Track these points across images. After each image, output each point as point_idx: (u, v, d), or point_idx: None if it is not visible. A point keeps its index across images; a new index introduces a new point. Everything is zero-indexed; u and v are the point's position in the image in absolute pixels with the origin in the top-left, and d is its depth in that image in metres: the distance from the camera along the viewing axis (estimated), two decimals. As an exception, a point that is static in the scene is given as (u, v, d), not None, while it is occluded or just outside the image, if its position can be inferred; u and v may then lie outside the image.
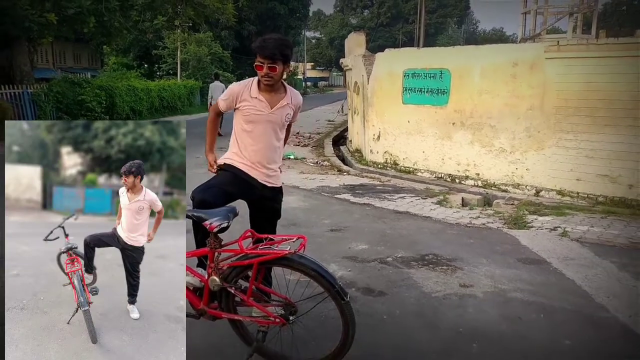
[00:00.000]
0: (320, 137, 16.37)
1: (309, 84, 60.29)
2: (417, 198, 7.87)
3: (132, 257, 2.90)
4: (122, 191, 2.84)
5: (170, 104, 24.64)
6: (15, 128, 2.89)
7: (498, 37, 67.05)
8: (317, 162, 11.68)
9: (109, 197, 2.94)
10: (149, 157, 2.84)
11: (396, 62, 10.40)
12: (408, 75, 10.02)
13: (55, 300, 2.83)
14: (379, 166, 10.98)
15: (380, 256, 5.15)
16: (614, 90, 7.41)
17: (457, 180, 9.48)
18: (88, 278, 2.86)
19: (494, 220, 6.61)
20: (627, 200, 7.54)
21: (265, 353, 3.07)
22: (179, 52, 30.91)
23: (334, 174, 10.16)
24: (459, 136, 9.40)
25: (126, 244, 2.89)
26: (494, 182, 8.98)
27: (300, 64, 62.40)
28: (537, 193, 8.44)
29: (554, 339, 3.49)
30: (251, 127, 3.43)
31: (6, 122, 2.90)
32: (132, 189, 2.80)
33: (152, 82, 25.24)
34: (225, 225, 2.83)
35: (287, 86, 3.51)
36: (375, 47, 31.69)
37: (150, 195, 2.84)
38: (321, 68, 73.56)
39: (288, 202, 6.77)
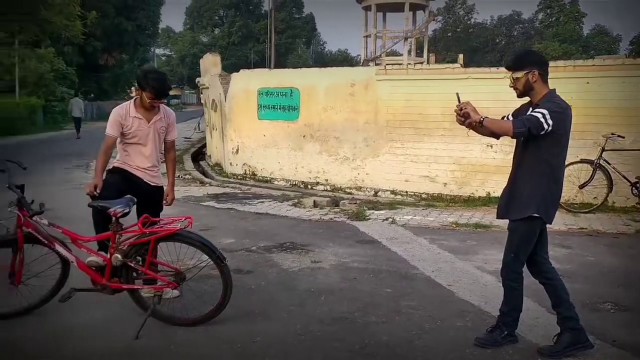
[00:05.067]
0: (179, 154, 16.78)
1: (161, 102, 59.09)
2: (274, 202, 8.90)
3: None
4: None
5: (6, 125, 21.50)
6: None
7: (343, 58, 71.59)
8: (178, 176, 12.22)
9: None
10: None
11: (251, 81, 11.45)
12: (262, 94, 11.10)
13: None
14: (239, 177, 11.88)
15: (246, 246, 6.08)
16: (428, 106, 9.16)
17: (309, 186, 10.72)
18: None
19: (340, 216, 7.86)
20: (443, 196, 9.32)
21: (161, 315, 3.81)
22: (17, 69, 28.91)
23: (196, 186, 10.84)
24: (309, 147, 10.67)
25: None
26: (341, 186, 10.35)
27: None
28: (376, 193, 9.96)
29: (378, 288, 4.72)
30: (135, 139, 4.25)
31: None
32: None
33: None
34: (127, 211, 3.57)
35: (161, 105, 4.32)
36: (228, 65, 32.33)
37: None
38: (173, 86, 72.28)
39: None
